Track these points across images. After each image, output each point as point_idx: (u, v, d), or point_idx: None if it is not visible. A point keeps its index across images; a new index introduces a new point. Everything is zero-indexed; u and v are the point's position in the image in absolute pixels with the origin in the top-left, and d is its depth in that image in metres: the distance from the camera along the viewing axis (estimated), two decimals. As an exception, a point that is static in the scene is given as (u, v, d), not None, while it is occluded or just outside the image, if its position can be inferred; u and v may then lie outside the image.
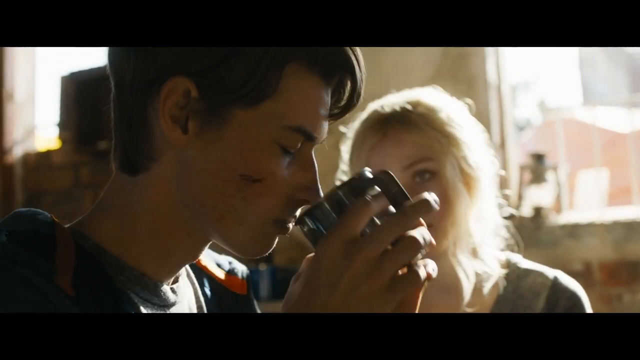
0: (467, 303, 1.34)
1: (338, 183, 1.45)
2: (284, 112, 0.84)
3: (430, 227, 1.29)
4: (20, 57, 4.10)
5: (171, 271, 0.90)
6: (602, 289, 1.34)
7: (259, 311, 1.08)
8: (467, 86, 3.18)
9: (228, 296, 1.02)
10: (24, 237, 0.81)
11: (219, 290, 1.02)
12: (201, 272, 1.02)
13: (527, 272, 1.38)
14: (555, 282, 1.35)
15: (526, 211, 3.21)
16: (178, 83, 0.83)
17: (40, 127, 4.28)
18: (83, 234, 0.86)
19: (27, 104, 4.14)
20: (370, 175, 0.85)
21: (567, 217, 3.33)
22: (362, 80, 0.88)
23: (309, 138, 0.86)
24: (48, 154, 4.03)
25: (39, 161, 4.04)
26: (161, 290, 0.89)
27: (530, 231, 3.04)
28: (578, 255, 3.02)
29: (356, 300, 0.77)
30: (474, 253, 1.37)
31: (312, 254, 0.83)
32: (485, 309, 1.35)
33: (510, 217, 1.43)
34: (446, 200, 1.31)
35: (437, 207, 0.86)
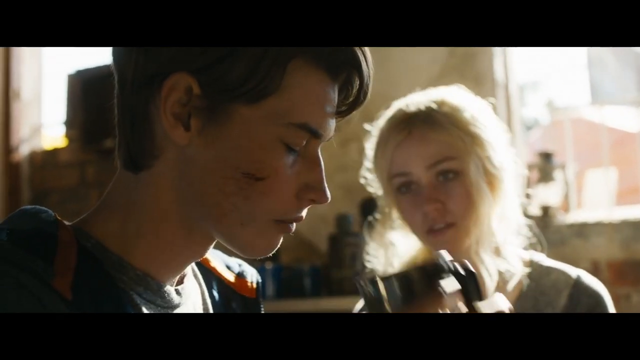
0: None
1: (370, 189, 1.45)
2: (288, 109, 0.83)
3: (453, 226, 1.32)
4: (26, 55, 4.10)
5: (175, 270, 0.89)
6: (610, 288, 1.33)
7: None
8: (474, 85, 3.16)
9: (236, 299, 1.01)
10: (25, 236, 0.80)
11: (227, 293, 1.00)
12: (210, 274, 1.00)
13: (550, 269, 1.40)
14: (579, 281, 1.37)
15: (534, 210, 3.19)
16: (179, 80, 0.82)
17: (46, 126, 4.28)
18: (86, 232, 0.85)
19: (33, 103, 4.14)
20: (448, 264, 0.84)
21: (575, 216, 3.31)
22: (369, 76, 0.86)
23: (315, 135, 0.85)
24: (54, 152, 4.03)
25: (45, 159, 4.04)
26: (165, 291, 0.87)
27: (532, 229, 3.03)
28: (586, 255, 3.00)
29: None
30: (497, 252, 1.38)
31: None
32: None
33: (533, 217, 1.44)
34: (469, 199, 1.34)
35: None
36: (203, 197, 0.84)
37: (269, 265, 2.92)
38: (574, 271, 1.40)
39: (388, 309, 0.83)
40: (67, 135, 3.99)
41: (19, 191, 3.99)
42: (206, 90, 0.82)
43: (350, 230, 2.92)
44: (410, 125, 1.36)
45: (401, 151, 1.37)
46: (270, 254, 0.89)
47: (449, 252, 1.34)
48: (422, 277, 0.83)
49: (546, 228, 3.13)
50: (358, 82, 0.87)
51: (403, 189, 1.38)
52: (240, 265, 1.05)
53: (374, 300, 0.82)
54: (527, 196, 1.45)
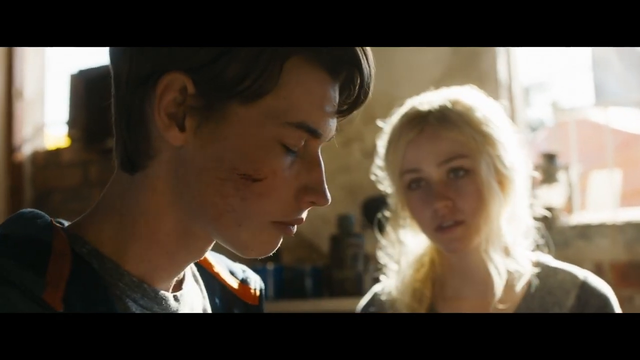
0: (498, 299, 1.36)
1: (373, 177, 1.47)
2: (285, 108, 0.81)
3: (462, 223, 1.33)
4: (29, 55, 4.10)
5: (170, 274, 0.88)
6: (613, 290, 1.33)
7: None
8: (478, 85, 3.14)
9: (238, 306, 1.00)
10: (18, 244, 0.78)
11: (230, 300, 0.99)
12: (213, 280, 0.99)
13: (557, 270, 1.41)
14: (586, 282, 1.38)
15: (538, 211, 3.18)
16: (174, 79, 0.80)
17: (49, 125, 4.28)
18: (81, 238, 0.83)
19: (36, 102, 4.14)
20: None
21: (579, 217, 3.30)
22: (370, 75, 0.85)
23: (314, 135, 0.83)
24: (57, 152, 4.03)
25: (48, 159, 4.04)
26: (162, 298, 0.86)
27: (540, 231, 3.02)
28: (589, 256, 2.99)
29: None
30: (506, 252, 1.39)
31: None
32: (514, 305, 1.38)
33: (537, 218, 1.45)
34: (480, 197, 1.35)
35: None
36: (199, 198, 0.83)
37: (270, 266, 2.91)
38: (581, 272, 1.41)
39: None
40: (70, 134, 3.99)
41: (21, 191, 3.99)
42: (201, 89, 0.81)
43: (352, 230, 2.90)
44: (423, 123, 1.37)
45: (413, 148, 1.38)
46: (271, 254, 0.88)
47: (458, 250, 1.36)
48: None
49: (549, 229, 3.12)
50: (359, 81, 0.85)
51: (413, 186, 1.39)
52: (244, 271, 1.04)
53: None
54: (532, 197, 1.46)
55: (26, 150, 4.05)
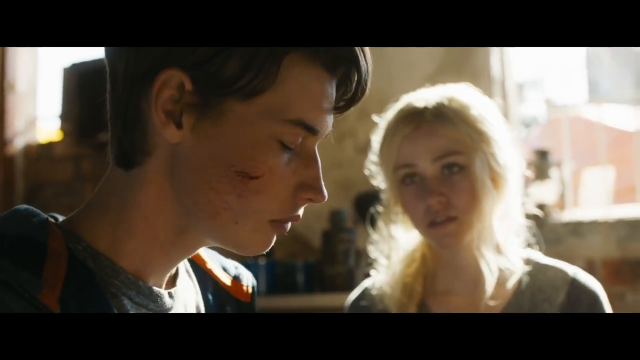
0: (489, 296, 1.37)
1: (367, 172, 1.47)
2: (283, 106, 0.81)
3: (455, 219, 1.34)
4: (22, 48, 4.09)
5: (164, 270, 0.88)
6: (604, 287, 1.34)
7: None
8: (471, 82, 3.14)
9: (231, 302, 1.00)
10: (13, 243, 0.78)
11: (222, 296, 0.99)
12: (206, 276, 0.99)
13: (547, 267, 1.42)
14: (576, 278, 1.39)
15: (529, 208, 3.18)
16: (171, 76, 0.80)
17: (42, 119, 4.27)
18: (76, 234, 0.83)
19: (28, 95, 4.12)
20: None
21: (571, 214, 3.31)
22: (367, 72, 0.85)
23: (311, 132, 0.83)
24: (49, 145, 4.02)
25: (40, 153, 4.03)
26: (156, 295, 0.86)
27: (532, 230, 3.03)
28: (581, 253, 3.00)
29: None
30: (498, 250, 1.40)
31: None
32: (505, 301, 1.39)
33: (529, 215, 1.47)
34: (473, 194, 1.35)
35: None
36: (195, 195, 0.82)
37: (262, 261, 2.91)
38: (571, 269, 1.42)
39: None
40: (62, 128, 3.98)
41: (13, 184, 3.98)
42: (199, 86, 0.80)
43: (344, 226, 2.91)
44: (419, 119, 1.38)
45: (408, 143, 1.38)
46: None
47: (450, 245, 1.37)
48: None
49: (541, 226, 3.13)
50: (356, 78, 0.85)
51: (407, 181, 1.40)
52: (236, 267, 1.04)
53: None
54: (524, 195, 1.46)
55: (18, 143, 4.04)
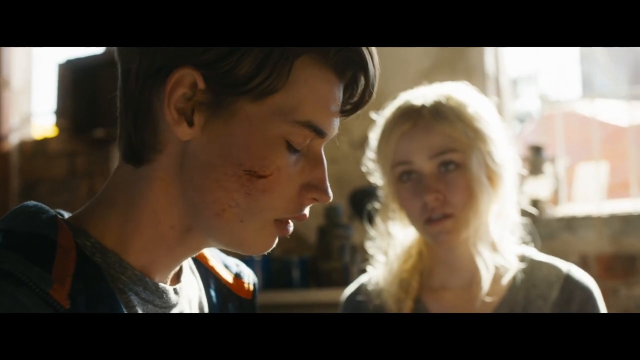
0: (485, 292, 1.39)
1: (364, 169, 1.48)
2: (293, 107, 0.82)
3: (451, 216, 1.35)
4: (17, 44, 4.08)
5: (169, 267, 0.89)
6: (598, 282, 1.35)
7: None
8: (465, 78, 3.15)
9: (232, 299, 1.01)
10: (23, 240, 0.79)
11: (224, 294, 1.00)
12: (208, 273, 1.00)
13: (541, 264, 1.44)
14: (570, 274, 1.41)
15: (523, 203, 3.19)
16: (185, 74, 0.81)
17: (36, 115, 4.26)
18: (84, 231, 0.84)
19: (23, 91, 4.12)
20: None
21: (565, 210, 3.32)
22: (375, 77, 0.86)
23: (319, 134, 0.84)
24: (44, 141, 4.02)
25: (35, 149, 4.02)
26: (162, 291, 0.87)
27: (527, 227, 3.04)
28: (574, 249, 3.02)
29: None
30: (493, 247, 1.42)
31: None
32: (499, 297, 1.41)
33: (529, 215, 1.49)
34: (470, 192, 1.37)
35: None
36: (203, 192, 0.83)
37: (258, 257, 2.91)
38: (565, 265, 1.43)
39: None
40: (57, 124, 3.97)
41: (8, 180, 3.98)
42: (211, 85, 0.81)
43: (339, 222, 2.91)
44: (417, 117, 1.39)
45: (405, 140, 1.39)
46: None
47: (446, 242, 1.38)
48: None
49: (535, 221, 3.14)
50: (364, 82, 0.86)
51: (404, 178, 1.41)
52: (237, 265, 1.05)
53: None
54: (519, 193, 1.48)
55: (13, 139, 4.04)
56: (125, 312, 0.81)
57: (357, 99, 0.88)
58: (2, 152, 3.98)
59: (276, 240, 0.88)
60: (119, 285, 0.83)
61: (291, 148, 0.83)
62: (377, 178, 1.49)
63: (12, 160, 4.01)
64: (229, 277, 1.02)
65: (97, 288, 0.80)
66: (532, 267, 1.43)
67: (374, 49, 0.86)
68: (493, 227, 1.41)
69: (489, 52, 3.20)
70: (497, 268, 1.40)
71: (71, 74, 3.83)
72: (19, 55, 4.09)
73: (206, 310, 0.97)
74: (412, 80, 1.51)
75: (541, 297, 1.39)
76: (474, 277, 1.41)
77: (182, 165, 0.84)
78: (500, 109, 3.29)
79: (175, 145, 0.84)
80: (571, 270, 1.42)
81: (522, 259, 1.44)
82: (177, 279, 0.92)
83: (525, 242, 1.49)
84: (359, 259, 2.77)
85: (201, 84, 0.81)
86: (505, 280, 1.40)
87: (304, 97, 0.83)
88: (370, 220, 1.54)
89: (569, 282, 1.39)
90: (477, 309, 1.40)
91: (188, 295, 0.93)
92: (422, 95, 1.42)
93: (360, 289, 1.53)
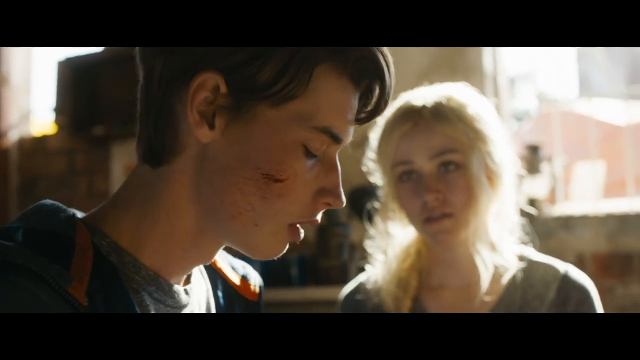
0: (484, 292, 1.40)
1: (364, 169, 1.49)
2: (312, 113, 0.83)
3: (451, 216, 1.36)
4: (16, 41, 4.08)
5: (182, 270, 0.90)
6: (594, 281, 1.36)
7: None
8: (464, 77, 3.17)
9: (239, 301, 1.02)
10: (41, 238, 0.80)
11: (231, 295, 1.02)
12: (216, 274, 1.01)
13: (539, 264, 1.45)
14: (567, 275, 1.42)
15: (520, 202, 3.20)
16: (208, 78, 0.82)
17: (36, 112, 4.26)
18: (101, 230, 0.85)
19: (23, 88, 4.12)
20: None
21: (562, 208, 3.33)
22: (391, 86, 0.88)
23: (336, 140, 0.86)
24: (44, 139, 4.02)
25: (34, 146, 4.03)
26: (175, 292, 0.88)
27: (525, 227, 3.05)
28: (571, 247, 3.02)
29: None
30: (492, 247, 1.43)
31: None
32: (497, 297, 1.42)
33: (528, 216, 1.49)
34: (469, 192, 1.38)
35: None
36: (220, 195, 0.84)
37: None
38: (562, 266, 1.44)
39: None
40: (57, 122, 3.98)
41: (7, 177, 3.98)
42: (233, 89, 0.82)
43: (338, 220, 2.93)
44: (417, 117, 1.40)
45: (406, 141, 1.41)
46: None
47: (445, 241, 1.39)
48: None
49: (532, 220, 3.15)
50: (379, 91, 0.88)
51: (404, 178, 1.42)
52: (244, 267, 1.06)
53: None
54: (518, 193, 1.49)
55: (12, 136, 4.04)
56: (139, 311, 0.83)
57: (372, 108, 0.89)
58: (1, 149, 3.99)
59: (287, 246, 0.89)
60: (132, 285, 0.84)
61: (309, 153, 0.85)
62: (377, 178, 1.50)
63: (12, 157, 4.02)
64: (235, 279, 1.03)
65: (113, 287, 0.81)
66: (530, 268, 1.44)
67: (390, 59, 0.88)
68: (492, 227, 1.42)
69: (487, 51, 3.21)
70: (496, 268, 1.42)
71: (71, 72, 3.83)
72: (18, 53, 4.09)
73: (214, 310, 0.98)
74: (410, 80, 1.52)
75: (538, 298, 1.40)
76: (472, 276, 1.42)
77: (201, 168, 0.85)
78: (498, 108, 3.31)
79: (194, 148, 0.85)
80: (568, 270, 1.43)
81: (521, 259, 1.45)
82: (187, 279, 0.94)
83: (523, 242, 1.50)
84: (357, 257, 2.79)
85: (223, 88, 0.82)
86: (504, 280, 1.41)
87: (323, 104, 0.84)
88: (370, 219, 1.55)
89: (565, 282, 1.40)
90: (475, 308, 1.41)
91: (197, 296, 0.95)
92: (423, 95, 1.43)
93: (359, 288, 1.54)
